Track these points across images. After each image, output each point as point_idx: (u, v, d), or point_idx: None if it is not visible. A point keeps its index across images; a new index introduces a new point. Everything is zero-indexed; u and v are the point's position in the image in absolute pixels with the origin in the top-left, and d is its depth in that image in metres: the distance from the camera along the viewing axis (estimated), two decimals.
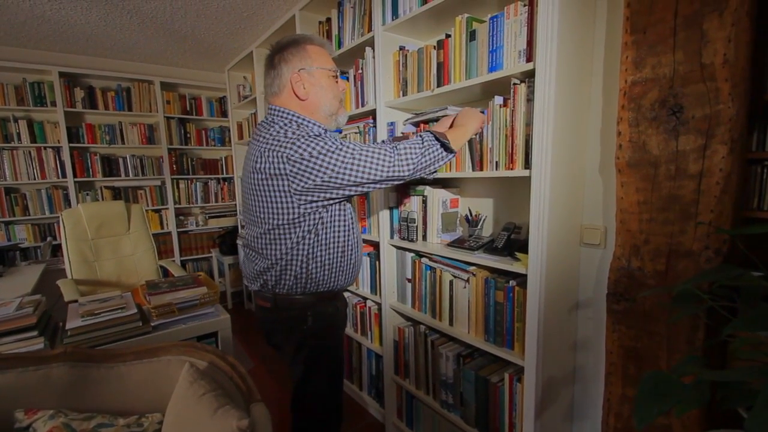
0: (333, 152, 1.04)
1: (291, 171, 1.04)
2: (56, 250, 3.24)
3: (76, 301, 1.55)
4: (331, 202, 1.13)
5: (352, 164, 1.05)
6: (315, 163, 1.03)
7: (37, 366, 1.14)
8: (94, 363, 1.19)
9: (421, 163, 1.12)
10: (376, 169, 1.07)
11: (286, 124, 1.11)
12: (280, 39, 1.17)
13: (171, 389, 1.16)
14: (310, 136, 1.06)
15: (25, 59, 3.08)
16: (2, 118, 3.05)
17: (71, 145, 3.25)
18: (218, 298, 1.63)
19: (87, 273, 2.43)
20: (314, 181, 1.05)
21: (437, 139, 1.14)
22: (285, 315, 1.20)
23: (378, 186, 1.12)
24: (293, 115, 1.14)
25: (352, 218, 1.23)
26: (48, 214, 3.25)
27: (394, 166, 1.09)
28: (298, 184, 1.05)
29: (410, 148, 1.11)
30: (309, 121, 1.15)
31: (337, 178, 1.05)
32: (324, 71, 1.15)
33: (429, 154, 1.13)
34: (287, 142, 1.05)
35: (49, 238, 3.22)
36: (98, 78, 3.40)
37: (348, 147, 1.07)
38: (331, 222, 1.16)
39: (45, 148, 3.19)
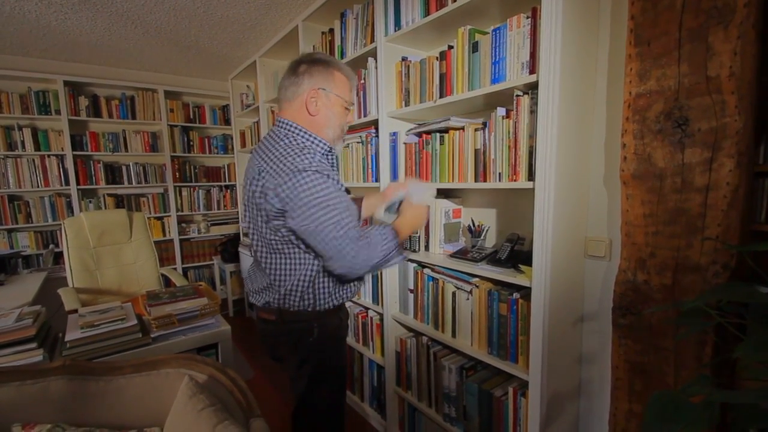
0: (322, 203, 1.01)
1: (276, 201, 1.04)
2: (59, 257, 3.24)
3: (76, 311, 1.54)
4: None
5: (323, 232, 1.02)
6: (296, 209, 1.02)
7: (35, 379, 1.12)
8: (93, 376, 1.18)
9: (375, 267, 1.11)
10: (340, 255, 1.04)
11: (291, 142, 1.10)
12: (314, 52, 1.18)
13: (170, 403, 1.15)
14: (307, 172, 1.02)
15: (30, 68, 3.10)
16: (7, 127, 3.07)
17: (75, 152, 3.27)
18: (219, 309, 1.61)
19: (88, 281, 2.42)
20: (286, 222, 1.06)
21: (394, 241, 1.13)
22: (290, 328, 1.19)
23: (327, 264, 1.08)
24: (300, 130, 1.14)
25: None
26: (51, 221, 3.26)
27: (353, 265, 1.06)
28: (275, 216, 1.07)
29: (371, 249, 1.07)
30: (314, 138, 1.14)
31: (305, 230, 1.04)
32: (340, 100, 1.17)
33: (386, 261, 1.12)
34: (284, 172, 1.03)
35: (51, 246, 3.22)
36: (103, 87, 3.42)
37: (333, 215, 1.02)
38: None
39: (49, 155, 3.20)
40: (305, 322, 1.18)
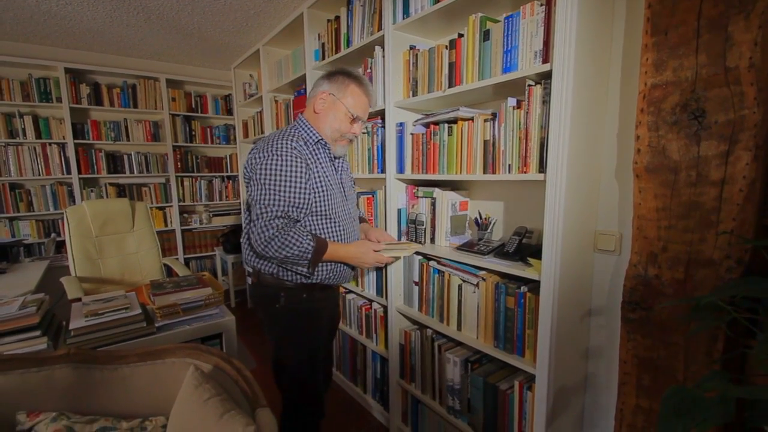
0: (264, 184, 1.19)
1: (248, 171, 1.28)
2: (60, 246, 3.23)
3: (79, 299, 1.53)
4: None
5: (255, 207, 1.22)
6: (252, 181, 1.24)
7: (39, 367, 1.12)
8: (98, 364, 1.17)
9: (274, 260, 1.26)
10: (252, 228, 1.22)
11: (287, 130, 1.30)
12: (352, 69, 1.34)
13: (175, 392, 1.14)
14: (274, 155, 1.20)
15: (31, 55, 3.06)
16: (8, 114, 3.04)
17: (76, 141, 3.24)
18: (223, 299, 1.61)
19: (91, 270, 2.41)
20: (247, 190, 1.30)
21: (315, 257, 1.24)
22: (263, 292, 1.34)
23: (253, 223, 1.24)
24: (302, 121, 1.34)
25: (334, 233, 1.33)
26: (52, 210, 3.24)
27: (254, 243, 1.21)
28: (247, 183, 1.30)
29: (276, 244, 1.18)
30: (310, 129, 1.32)
31: (249, 200, 1.27)
32: (345, 109, 1.30)
33: (289, 263, 1.25)
34: (262, 150, 1.22)
35: (53, 235, 3.21)
36: (104, 74, 3.39)
37: (268, 196, 1.19)
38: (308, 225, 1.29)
39: (50, 144, 3.18)
40: (274, 289, 1.31)
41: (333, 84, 1.30)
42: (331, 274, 1.34)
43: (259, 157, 1.21)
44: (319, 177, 1.27)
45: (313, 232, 1.28)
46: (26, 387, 1.10)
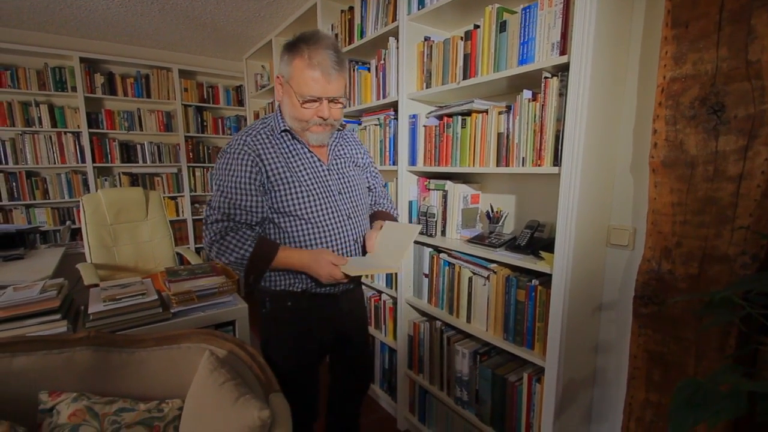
0: (213, 185, 1.15)
1: None
2: (75, 234, 3.29)
3: (97, 285, 1.57)
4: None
5: (212, 202, 1.14)
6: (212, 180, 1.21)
7: (60, 349, 1.15)
8: (116, 348, 1.21)
9: (223, 263, 1.16)
10: (204, 232, 1.16)
11: (258, 120, 1.21)
12: (305, 32, 1.09)
13: (191, 376, 1.17)
14: (224, 153, 1.13)
15: (47, 44, 3.10)
16: (24, 103, 3.09)
17: (91, 130, 3.29)
18: (236, 287, 1.63)
19: (106, 258, 2.46)
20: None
21: (254, 264, 1.11)
22: (257, 295, 1.29)
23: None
24: (277, 110, 1.20)
25: (308, 236, 1.16)
26: (67, 198, 3.30)
27: (206, 246, 1.15)
28: None
29: (218, 249, 1.11)
30: (278, 117, 1.17)
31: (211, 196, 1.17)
32: (293, 92, 1.08)
33: (232, 267, 1.15)
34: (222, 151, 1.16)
35: (68, 222, 3.27)
36: (118, 64, 3.42)
37: (216, 196, 1.12)
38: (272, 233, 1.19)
39: (65, 132, 3.23)
40: (262, 293, 1.26)
41: (281, 63, 1.11)
42: (283, 281, 1.19)
43: (217, 159, 1.15)
44: (281, 172, 1.11)
45: (285, 235, 1.16)
46: (48, 368, 1.13)
